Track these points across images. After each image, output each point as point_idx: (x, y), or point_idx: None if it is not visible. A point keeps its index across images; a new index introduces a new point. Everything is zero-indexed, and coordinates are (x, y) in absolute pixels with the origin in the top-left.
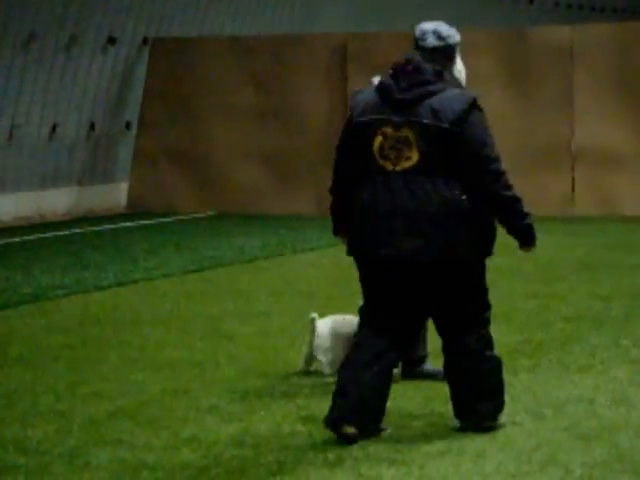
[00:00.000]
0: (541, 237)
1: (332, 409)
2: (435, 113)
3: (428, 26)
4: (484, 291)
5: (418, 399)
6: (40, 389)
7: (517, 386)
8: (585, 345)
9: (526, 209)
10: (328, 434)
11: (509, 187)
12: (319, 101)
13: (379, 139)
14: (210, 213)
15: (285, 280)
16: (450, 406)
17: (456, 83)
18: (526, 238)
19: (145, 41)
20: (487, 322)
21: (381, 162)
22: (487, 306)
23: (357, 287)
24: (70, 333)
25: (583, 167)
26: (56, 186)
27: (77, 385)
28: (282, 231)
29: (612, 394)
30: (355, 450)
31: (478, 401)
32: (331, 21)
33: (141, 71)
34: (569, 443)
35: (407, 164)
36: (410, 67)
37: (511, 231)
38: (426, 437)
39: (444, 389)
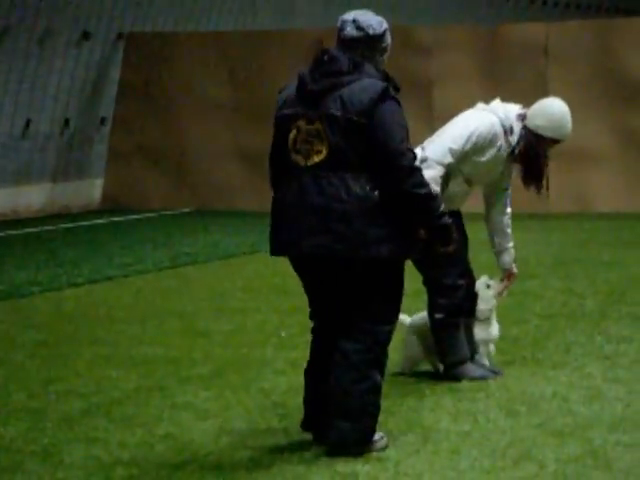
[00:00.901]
0: (516, 234)
1: (306, 416)
2: (344, 104)
3: (348, 16)
4: (389, 302)
5: (392, 396)
6: (13, 386)
7: (491, 383)
8: (559, 342)
9: (442, 207)
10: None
11: (421, 184)
12: None
13: (293, 133)
14: (186, 210)
15: (261, 277)
16: (424, 403)
17: (380, 75)
18: (441, 239)
19: (120, 36)
20: (382, 337)
21: (294, 157)
22: (388, 320)
23: None
24: (44, 330)
25: (557, 164)
26: (30, 182)
27: (51, 382)
28: (258, 228)
29: (586, 390)
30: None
31: (338, 418)
32: (308, 17)
33: (116, 66)
34: (543, 439)
35: (317, 158)
36: (326, 57)
37: (427, 231)
38: (401, 434)
39: (418, 386)
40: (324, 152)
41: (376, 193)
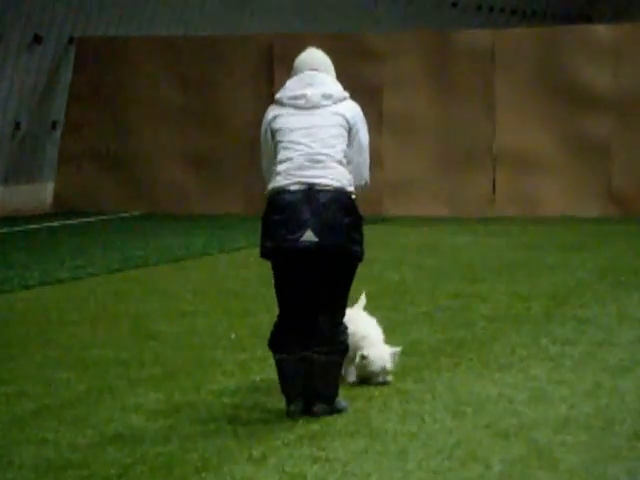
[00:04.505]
0: (462, 238)
1: None
2: None
3: None
4: None
5: (342, 398)
6: None
7: (438, 385)
8: (505, 344)
9: None
10: (253, 432)
11: None
12: (246, 102)
13: None
14: (136, 213)
15: (211, 279)
16: (373, 404)
17: None
18: None
19: (71, 40)
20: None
21: None
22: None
23: None
24: None
25: (503, 169)
26: None
27: (1, 384)
28: (209, 231)
29: (531, 392)
30: (279, 448)
31: None
32: (259, 22)
33: (67, 70)
34: (489, 440)
35: None
36: None
37: None
38: (349, 435)
39: (367, 388)
40: None
41: None
